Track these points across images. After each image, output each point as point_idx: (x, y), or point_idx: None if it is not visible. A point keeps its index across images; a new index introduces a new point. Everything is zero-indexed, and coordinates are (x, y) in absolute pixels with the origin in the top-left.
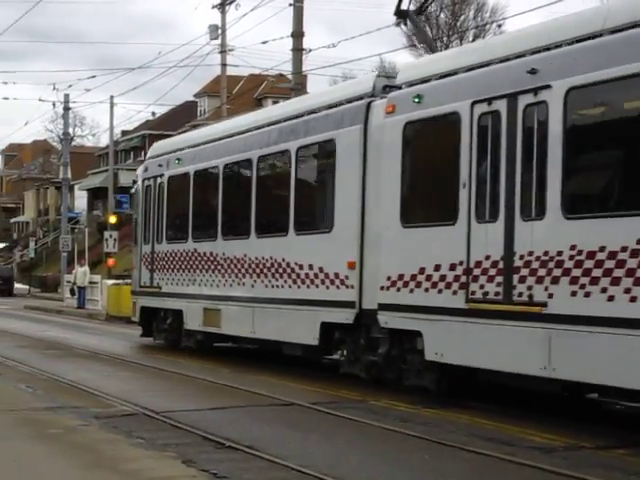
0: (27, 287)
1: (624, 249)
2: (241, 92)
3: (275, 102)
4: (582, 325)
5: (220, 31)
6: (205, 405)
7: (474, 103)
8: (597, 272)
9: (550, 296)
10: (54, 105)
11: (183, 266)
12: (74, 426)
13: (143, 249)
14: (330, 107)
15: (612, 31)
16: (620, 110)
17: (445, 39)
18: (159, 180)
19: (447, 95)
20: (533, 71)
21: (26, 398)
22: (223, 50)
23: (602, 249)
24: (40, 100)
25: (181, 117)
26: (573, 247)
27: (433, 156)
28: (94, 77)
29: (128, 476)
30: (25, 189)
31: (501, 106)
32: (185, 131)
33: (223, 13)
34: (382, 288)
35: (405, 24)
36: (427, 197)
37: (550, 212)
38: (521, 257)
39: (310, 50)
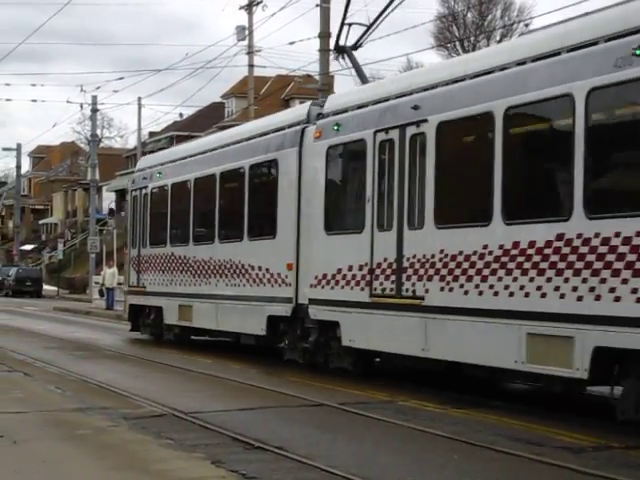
0: (56, 289)
1: (474, 253)
2: (268, 93)
3: (302, 102)
4: (448, 314)
5: (247, 32)
6: (234, 406)
7: (376, 132)
8: (457, 271)
9: (426, 291)
10: (82, 107)
11: (163, 268)
12: (103, 427)
13: (132, 253)
14: (275, 130)
15: (472, 77)
16: (472, 142)
17: (472, 39)
18: (144, 191)
19: (358, 124)
20: (416, 107)
21: (55, 399)
22: (250, 51)
23: (460, 253)
24: (68, 102)
25: (208, 118)
26: (442, 251)
27: (348, 176)
28: (122, 79)
29: (158, 476)
30: (53, 191)
31: (394, 135)
32: (213, 132)
33: (250, 14)
34: (311, 286)
35: (343, 58)
36: (343, 209)
37: (427, 223)
38: (407, 259)
39: None
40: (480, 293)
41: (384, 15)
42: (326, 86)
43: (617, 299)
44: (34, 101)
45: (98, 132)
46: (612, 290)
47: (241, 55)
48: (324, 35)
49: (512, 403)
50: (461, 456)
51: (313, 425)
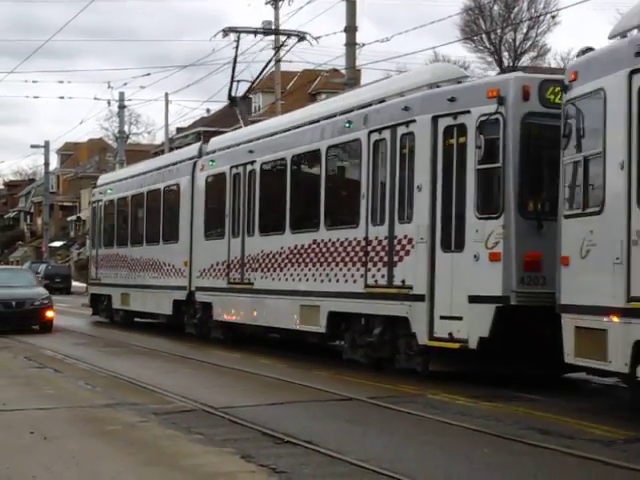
0: (84, 285)
1: (276, 252)
2: (295, 88)
3: (328, 97)
4: (265, 294)
5: (273, 27)
6: (263, 400)
7: (231, 167)
8: (269, 265)
9: (254, 278)
10: (109, 103)
11: (111, 265)
12: (133, 422)
13: (92, 252)
14: (180, 162)
15: (279, 132)
16: (277, 177)
17: (499, 31)
18: (99, 203)
19: (222, 161)
20: (250, 151)
21: (85, 395)
22: (277, 46)
23: (270, 252)
24: (95, 99)
25: (236, 114)
26: (262, 251)
27: (217, 198)
28: (148, 75)
29: (188, 472)
30: (81, 187)
31: (241, 170)
32: (238, 127)
33: (276, 9)
34: (197, 277)
35: (236, 106)
36: (214, 222)
37: (256, 232)
38: (247, 257)
39: (363, 45)
40: (279, 279)
41: (264, 73)
42: (353, 80)
43: (338, 281)
44: (61, 98)
45: (126, 128)
46: (339, 275)
47: (268, 50)
48: (350, 29)
49: (543, 397)
50: (491, 449)
51: (343, 419)
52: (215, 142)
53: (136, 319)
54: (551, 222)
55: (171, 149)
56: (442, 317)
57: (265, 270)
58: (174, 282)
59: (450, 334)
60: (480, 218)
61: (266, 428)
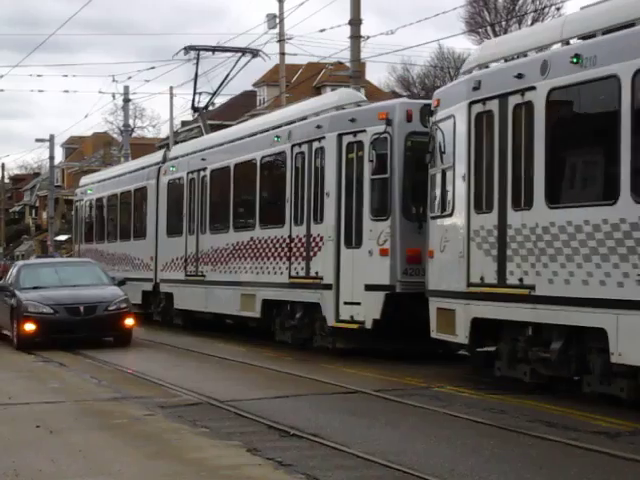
0: None
1: (222, 249)
2: (300, 81)
3: (334, 90)
4: (214, 285)
5: (278, 20)
6: (269, 394)
7: (188, 173)
8: (216, 259)
9: (206, 272)
10: (114, 97)
11: (92, 258)
12: (139, 416)
13: (75, 247)
14: (147, 167)
15: (225, 144)
16: (221, 184)
17: (504, 23)
18: (81, 203)
19: (180, 167)
20: (203, 159)
21: (91, 389)
22: (281, 39)
23: (218, 248)
24: (100, 92)
25: (240, 107)
26: (212, 247)
27: (177, 199)
28: (153, 68)
29: (193, 465)
30: None
31: (196, 175)
32: (244, 120)
33: (281, 2)
34: (161, 270)
35: (199, 116)
36: (174, 221)
37: (207, 231)
38: (200, 253)
39: (368, 37)
40: (225, 271)
41: (223, 85)
42: (358, 73)
43: (269, 272)
44: (66, 92)
45: (130, 122)
46: (270, 268)
47: (272, 43)
48: (355, 22)
49: (549, 389)
50: (497, 441)
51: (349, 412)
52: (176, 150)
53: None
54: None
55: (176, 142)
56: (345, 303)
57: (214, 264)
58: (143, 275)
59: (351, 317)
60: (373, 220)
61: (272, 421)
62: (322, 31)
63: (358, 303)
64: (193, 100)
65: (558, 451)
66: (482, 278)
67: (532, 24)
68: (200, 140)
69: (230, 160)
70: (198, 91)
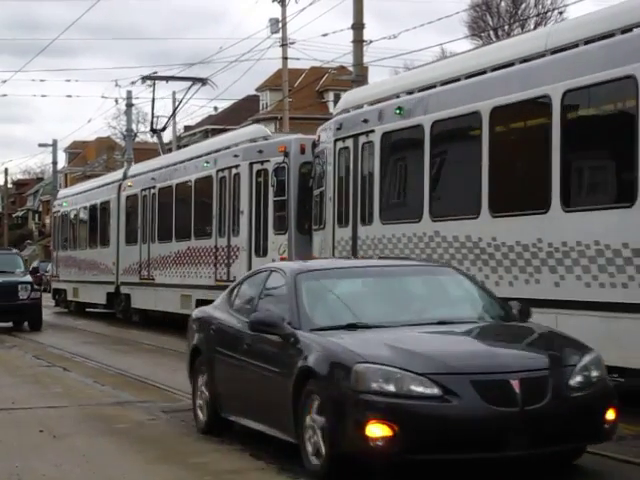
0: None
1: (168, 256)
2: (303, 85)
3: (337, 95)
4: (162, 287)
5: (280, 24)
6: None
7: (141, 190)
8: (165, 265)
9: (156, 275)
10: (117, 102)
11: (66, 264)
12: (142, 420)
13: (53, 254)
14: (110, 184)
15: (180, 163)
16: (165, 203)
17: (507, 27)
18: (58, 214)
19: (137, 185)
20: (153, 179)
21: (94, 393)
22: (284, 43)
23: (165, 255)
24: (103, 97)
25: (243, 111)
26: (159, 255)
27: (133, 212)
28: (155, 73)
29: (196, 470)
30: None
31: (147, 192)
32: (247, 125)
33: (284, 6)
34: (121, 274)
35: (157, 136)
36: (131, 231)
37: (156, 240)
38: (151, 259)
39: (371, 42)
40: (169, 275)
41: (178, 108)
42: (360, 77)
43: (201, 276)
44: (69, 96)
45: (133, 127)
46: (201, 273)
47: (275, 48)
48: (357, 26)
49: None
50: None
51: None
52: (134, 169)
53: (87, 309)
54: None
55: (179, 147)
56: None
57: (161, 269)
58: (107, 278)
59: None
60: (275, 234)
61: None
62: (325, 35)
63: None
64: (152, 122)
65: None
66: None
67: (535, 28)
68: (153, 161)
69: (173, 180)
70: (156, 115)
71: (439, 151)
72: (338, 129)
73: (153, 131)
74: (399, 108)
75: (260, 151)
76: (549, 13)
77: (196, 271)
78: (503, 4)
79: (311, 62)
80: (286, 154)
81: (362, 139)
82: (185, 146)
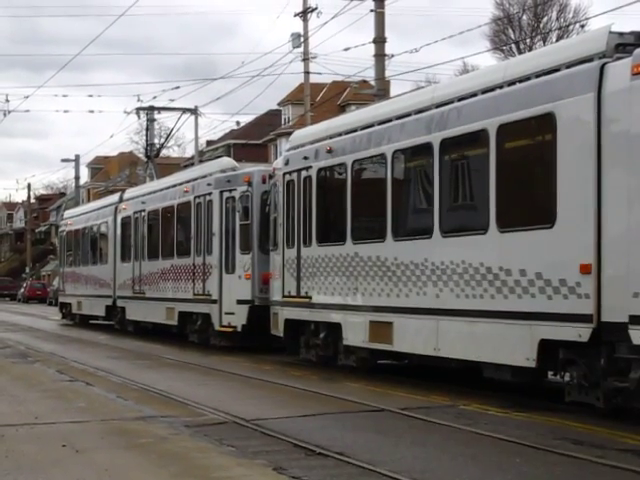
0: None
1: (154, 273)
2: (324, 99)
3: (358, 108)
4: (151, 300)
5: (302, 39)
6: (295, 412)
7: (134, 212)
8: (150, 281)
9: (146, 290)
10: (139, 116)
11: (72, 280)
12: (164, 435)
13: (60, 270)
14: (108, 206)
15: (162, 190)
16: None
17: (528, 41)
18: (63, 233)
19: (130, 208)
20: (143, 202)
21: (117, 408)
22: (306, 58)
23: (150, 272)
24: (125, 112)
25: (265, 126)
26: (149, 271)
27: (127, 233)
28: (178, 88)
29: None
30: None
31: (138, 215)
32: (271, 140)
33: (305, 21)
34: (118, 289)
35: (151, 162)
36: (125, 250)
37: (145, 258)
38: (142, 275)
39: (392, 56)
40: (157, 290)
41: (170, 136)
42: (382, 91)
43: (182, 291)
44: (91, 112)
45: (156, 141)
46: (182, 288)
47: (296, 62)
48: (379, 40)
49: (575, 407)
50: (523, 459)
51: (374, 430)
52: (128, 192)
53: (90, 321)
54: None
55: (201, 162)
56: (226, 313)
57: (150, 284)
58: (105, 292)
59: (229, 323)
60: (241, 254)
61: (297, 440)
62: (346, 50)
63: (233, 313)
64: (146, 149)
65: (584, 469)
66: (289, 292)
67: (557, 41)
68: (144, 186)
69: (159, 204)
70: (149, 142)
71: (359, 185)
72: (286, 164)
73: (147, 157)
74: (330, 150)
75: (228, 180)
76: (571, 26)
77: (178, 286)
78: (525, 17)
79: (333, 76)
80: (249, 184)
81: (303, 173)
82: (207, 160)
